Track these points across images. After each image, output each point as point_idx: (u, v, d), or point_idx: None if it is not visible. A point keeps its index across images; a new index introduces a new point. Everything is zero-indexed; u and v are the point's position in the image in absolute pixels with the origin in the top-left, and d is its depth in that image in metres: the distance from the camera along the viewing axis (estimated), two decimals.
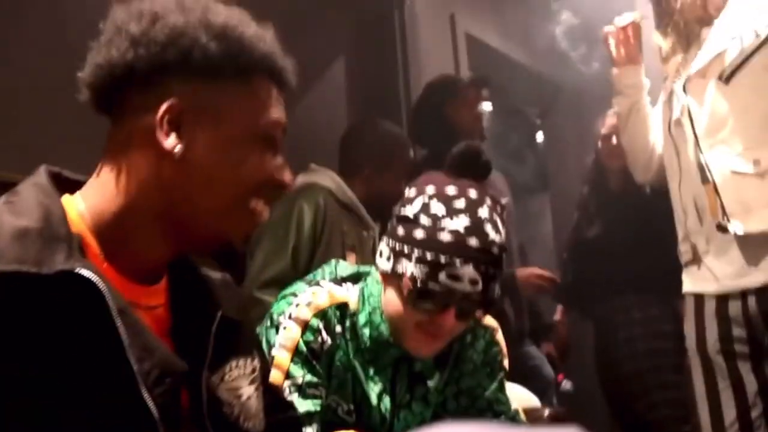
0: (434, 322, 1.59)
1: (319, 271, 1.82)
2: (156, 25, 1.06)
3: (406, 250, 1.57)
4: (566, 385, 3.94)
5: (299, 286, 1.72)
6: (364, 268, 1.80)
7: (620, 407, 3.52)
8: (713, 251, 2.39)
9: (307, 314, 1.62)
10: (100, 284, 0.95)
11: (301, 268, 2.65)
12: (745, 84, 2.30)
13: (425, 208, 1.58)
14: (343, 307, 1.68)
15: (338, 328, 1.66)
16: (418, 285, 1.54)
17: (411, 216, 1.59)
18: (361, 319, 1.67)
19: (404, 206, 1.63)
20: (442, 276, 1.52)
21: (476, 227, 1.54)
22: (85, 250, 1.02)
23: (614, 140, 3.37)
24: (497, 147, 4.86)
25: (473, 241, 1.53)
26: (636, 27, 2.71)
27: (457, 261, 1.52)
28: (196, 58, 1.06)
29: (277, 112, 1.14)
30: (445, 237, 1.53)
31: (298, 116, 3.33)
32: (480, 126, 3.38)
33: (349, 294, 1.71)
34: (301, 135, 3.08)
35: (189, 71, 1.07)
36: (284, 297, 1.70)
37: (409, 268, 1.55)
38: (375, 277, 1.70)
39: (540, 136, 5.96)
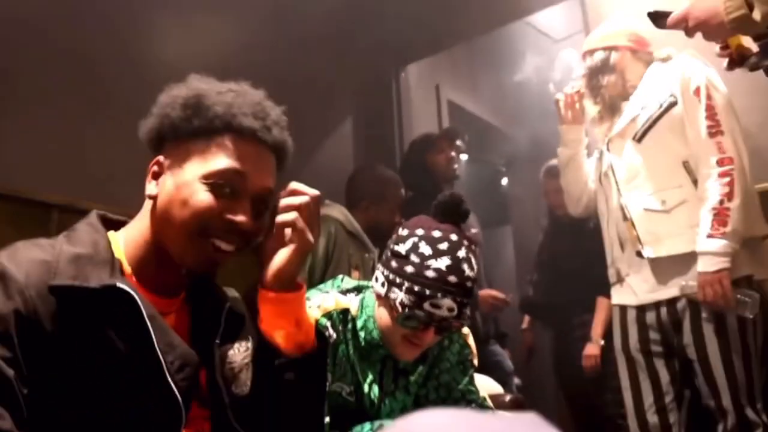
0: (417, 335, 1.63)
1: (329, 282, 1.84)
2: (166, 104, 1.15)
3: (397, 280, 1.59)
4: (516, 380, 3.90)
5: (312, 293, 1.75)
6: (363, 283, 1.83)
7: (574, 399, 3.57)
8: (633, 272, 2.44)
9: (317, 314, 1.66)
10: (135, 295, 1.02)
11: (315, 281, 2.72)
12: (653, 142, 2.39)
13: (415, 247, 1.60)
14: (345, 311, 1.71)
15: (340, 327, 1.69)
16: (406, 310, 1.57)
17: (403, 253, 1.62)
18: (359, 323, 1.70)
19: (398, 243, 1.65)
20: (426, 305, 1.56)
21: (455, 267, 1.57)
22: (123, 271, 1.08)
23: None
24: (470, 189, 4.91)
25: (452, 278, 1.56)
26: (580, 95, 2.74)
27: (439, 294, 1.55)
28: (174, 127, 1.12)
29: (230, 163, 1.10)
30: (430, 274, 1.56)
31: (315, 163, 3.42)
32: (452, 168, 3.44)
33: (351, 302, 1.73)
34: (317, 177, 3.15)
35: (173, 136, 1.13)
36: None
37: (399, 295, 1.58)
38: (372, 291, 1.72)
39: (505, 180, 5.99)
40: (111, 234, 1.15)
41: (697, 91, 2.30)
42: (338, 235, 2.83)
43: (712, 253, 2.16)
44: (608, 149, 2.55)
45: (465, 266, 1.59)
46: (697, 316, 2.27)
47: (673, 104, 2.34)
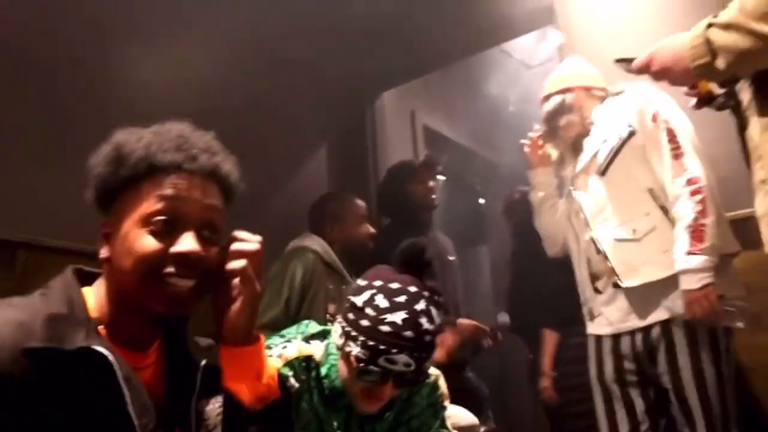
0: (375, 389, 1.58)
1: (293, 328, 1.80)
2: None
3: (353, 333, 1.54)
4: (503, 317, 3.86)
5: (275, 340, 1.71)
6: (330, 328, 1.77)
7: (555, 416, 3.56)
8: (606, 306, 2.45)
9: (278, 364, 1.59)
10: (111, 357, 1.00)
11: (292, 314, 2.71)
12: (616, 174, 2.41)
13: (371, 300, 1.55)
14: (308, 359, 1.66)
15: (303, 376, 1.64)
16: (361, 365, 1.53)
17: (359, 304, 1.56)
18: (323, 370, 1.66)
19: (355, 294, 1.59)
20: (381, 360, 1.51)
21: (412, 321, 1.51)
22: (98, 330, 1.06)
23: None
24: (448, 211, 4.92)
25: (408, 333, 1.50)
26: (544, 138, 2.77)
27: (394, 350, 1.50)
28: (105, 185, 1.12)
29: (160, 200, 1.10)
30: (385, 329, 1.50)
31: (288, 191, 3.40)
32: (431, 198, 3.42)
33: (315, 349, 1.68)
34: (292, 207, 3.15)
35: (108, 195, 1.13)
36: None
37: (354, 349, 1.53)
38: None
39: (482, 201, 6.01)
40: (86, 290, 1.13)
41: (654, 117, 2.33)
42: (316, 267, 2.82)
43: (693, 270, 2.17)
44: (574, 187, 2.58)
45: (423, 320, 1.53)
46: (671, 345, 2.28)
47: (632, 134, 2.37)
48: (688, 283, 2.17)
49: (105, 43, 2.73)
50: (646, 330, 2.35)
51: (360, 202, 3.10)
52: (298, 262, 2.78)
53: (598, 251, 2.44)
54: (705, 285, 2.14)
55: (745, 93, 1.40)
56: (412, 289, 1.56)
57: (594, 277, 2.49)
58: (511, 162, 4.42)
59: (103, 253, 1.13)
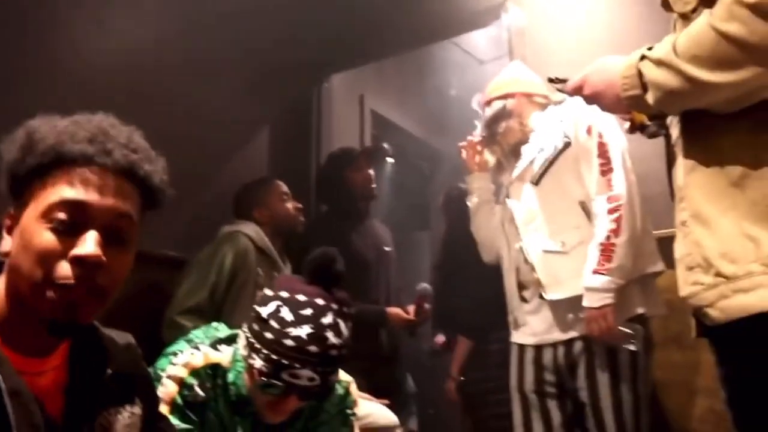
0: (280, 401, 1.58)
1: (201, 333, 1.76)
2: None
3: (256, 346, 1.53)
4: (439, 338, 3.88)
5: (181, 346, 1.68)
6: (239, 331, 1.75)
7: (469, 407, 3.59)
8: (531, 316, 2.45)
9: (183, 373, 1.59)
10: None
11: (217, 300, 2.67)
12: (549, 184, 2.40)
13: (276, 312, 1.53)
14: (215, 366, 1.63)
15: (209, 384, 1.61)
16: (263, 378, 1.52)
17: (264, 316, 1.54)
18: (230, 376, 1.63)
19: (261, 305, 1.58)
20: (284, 375, 1.50)
21: (317, 336, 1.50)
22: None
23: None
24: (394, 193, 4.89)
25: (313, 348, 1.49)
26: (481, 143, 2.74)
27: (297, 365, 1.49)
28: (12, 173, 1.05)
29: (65, 194, 1.01)
30: (288, 342, 1.49)
31: (228, 173, 3.32)
32: (370, 187, 3.39)
33: (223, 355, 1.66)
34: (230, 187, 3.07)
35: (15, 183, 1.05)
36: (167, 355, 1.65)
37: (257, 362, 1.52)
38: None
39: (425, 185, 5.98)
40: None
41: (588, 130, 2.32)
42: (248, 252, 2.78)
43: (596, 288, 2.19)
44: (508, 195, 2.56)
45: (329, 334, 1.52)
46: (592, 361, 2.30)
47: (567, 145, 2.36)
48: (590, 301, 2.20)
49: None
50: (569, 343, 2.36)
51: (279, 182, 3.08)
52: (229, 246, 2.73)
53: (527, 261, 2.43)
54: (604, 305, 2.17)
55: (674, 129, 1.39)
56: (319, 301, 1.54)
57: (521, 286, 2.49)
58: (457, 153, 4.40)
59: (5, 246, 1.05)
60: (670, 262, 2.32)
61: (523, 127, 2.52)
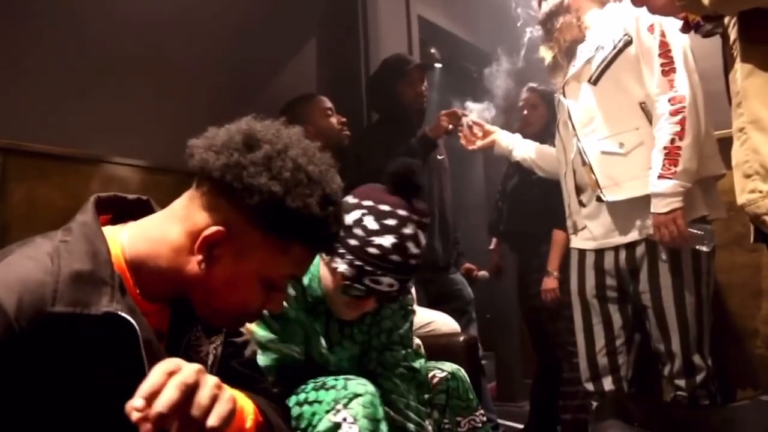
0: (358, 302, 1.64)
1: None
2: (270, 161, 1.02)
3: (341, 250, 1.57)
4: (483, 274, 3.94)
5: None
6: None
7: (533, 324, 3.62)
8: (590, 220, 2.42)
9: None
10: (134, 323, 0.97)
11: None
12: (608, 84, 2.33)
13: (360, 220, 1.57)
14: None
15: (288, 291, 1.66)
16: (346, 282, 1.57)
17: (349, 223, 1.57)
18: (306, 280, 1.69)
19: (345, 212, 1.57)
20: (366, 280, 1.56)
21: (399, 245, 1.54)
22: (123, 287, 1.00)
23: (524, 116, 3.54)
24: (444, 96, 4.79)
25: (395, 257, 1.54)
26: (477, 124, 2.91)
27: (379, 271, 1.55)
28: (269, 213, 1.01)
29: (296, 270, 1.10)
30: (372, 250, 1.54)
31: (278, 85, 3.28)
32: (422, 101, 3.34)
33: None
34: (279, 100, 3.04)
35: (253, 215, 1.02)
36: None
37: (341, 266, 1.57)
38: None
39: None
40: (111, 233, 1.06)
41: (650, 28, 2.23)
42: None
43: (663, 194, 2.15)
44: (564, 94, 2.47)
45: (410, 244, 1.56)
46: (654, 264, 2.29)
47: (628, 43, 2.28)
48: (657, 206, 2.16)
49: None
50: (630, 246, 2.33)
51: (322, 97, 3.05)
52: None
53: (584, 163, 2.37)
54: (672, 210, 2.13)
55: (732, 30, 1.30)
56: (402, 212, 1.58)
57: (579, 190, 2.44)
58: (510, 57, 4.27)
59: (198, 260, 1.04)
60: (730, 164, 2.27)
61: (580, 23, 2.43)
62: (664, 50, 2.19)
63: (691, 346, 2.25)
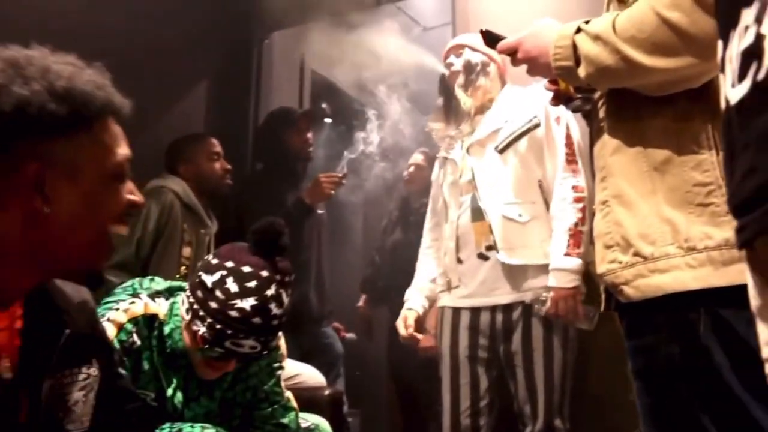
0: (219, 363, 1.63)
1: (138, 284, 1.75)
2: (1, 97, 0.92)
3: (200, 313, 1.56)
4: (350, 336, 3.95)
5: (120, 296, 1.68)
6: (176, 284, 1.77)
7: (400, 383, 3.64)
8: (466, 279, 2.49)
9: (123, 318, 1.60)
10: None
11: (143, 255, 2.63)
12: (513, 156, 2.45)
13: (221, 282, 1.55)
14: (153, 317, 1.65)
15: (146, 333, 1.63)
16: (206, 345, 1.56)
17: (209, 285, 1.56)
18: (166, 329, 1.65)
19: (206, 273, 1.59)
20: (227, 342, 1.54)
21: (261, 307, 1.54)
22: None
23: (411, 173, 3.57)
24: (329, 154, 4.84)
25: (257, 320, 1.54)
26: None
27: (240, 335, 1.54)
28: (45, 123, 0.93)
29: (122, 149, 1.05)
30: (233, 313, 1.53)
31: (163, 127, 3.22)
32: (307, 150, 3.38)
33: (161, 307, 1.68)
34: (163, 142, 2.99)
35: (41, 134, 0.95)
36: (107, 303, 1.65)
37: (201, 329, 1.55)
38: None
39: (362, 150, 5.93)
40: None
41: (558, 120, 2.41)
42: (173, 208, 2.73)
43: (568, 270, 2.28)
44: (468, 153, 2.56)
45: (272, 305, 1.56)
46: (528, 326, 2.39)
47: (536, 126, 2.44)
48: (561, 281, 2.28)
49: None
50: (508, 308, 2.42)
51: (212, 140, 3.02)
52: (154, 201, 2.67)
53: (477, 219, 2.46)
54: (575, 287, 2.27)
55: (601, 107, 1.40)
56: (264, 273, 1.56)
57: (459, 247, 2.50)
58: (395, 120, 4.38)
59: (38, 206, 0.95)
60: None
61: (490, 94, 2.57)
62: (569, 142, 2.38)
63: (554, 409, 2.35)
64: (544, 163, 2.42)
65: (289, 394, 1.96)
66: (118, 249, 2.54)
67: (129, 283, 1.76)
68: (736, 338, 1.11)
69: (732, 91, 0.57)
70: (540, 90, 2.39)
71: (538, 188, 2.42)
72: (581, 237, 2.28)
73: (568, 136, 2.38)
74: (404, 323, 2.63)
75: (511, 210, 2.42)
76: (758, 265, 0.60)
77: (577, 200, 2.31)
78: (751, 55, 0.54)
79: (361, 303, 4.01)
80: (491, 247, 2.41)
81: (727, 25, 0.59)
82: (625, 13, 1.24)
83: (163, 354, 1.65)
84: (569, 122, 2.40)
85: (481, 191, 2.47)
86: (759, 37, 0.53)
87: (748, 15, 0.55)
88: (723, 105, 0.61)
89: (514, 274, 2.40)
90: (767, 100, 0.52)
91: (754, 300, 0.61)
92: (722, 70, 0.60)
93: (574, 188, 2.32)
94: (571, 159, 2.36)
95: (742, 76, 0.55)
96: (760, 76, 0.53)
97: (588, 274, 2.31)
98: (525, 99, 2.50)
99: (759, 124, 0.53)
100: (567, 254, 2.28)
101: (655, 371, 1.23)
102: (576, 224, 2.29)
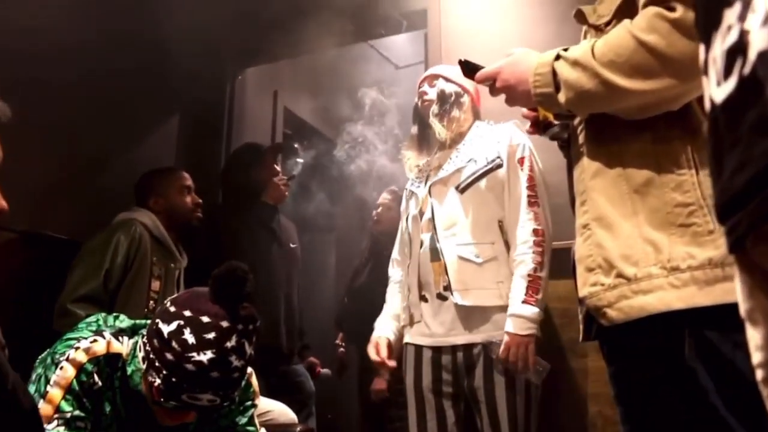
0: (177, 413, 1.56)
1: (102, 321, 1.68)
2: None
3: (156, 364, 1.47)
4: (325, 371, 3.89)
5: (83, 333, 1.60)
6: (141, 323, 1.69)
7: (370, 422, 3.58)
8: (428, 316, 2.46)
9: (83, 358, 1.52)
10: None
11: (111, 288, 2.57)
12: (474, 195, 2.43)
13: (178, 332, 1.45)
14: (116, 357, 1.57)
15: (107, 371, 1.55)
16: (161, 398, 1.48)
17: (165, 335, 1.46)
18: (129, 369, 1.57)
19: (162, 321, 1.49)
20: (184, 396, 1.46)
21: (220, 361, 1.44)
22: None
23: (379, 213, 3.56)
24: (301, 189, 4.83)
25: (215, 374, 1.44)
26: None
27: (197, 389, 1.45)
28: None
29: None
30: (189, 367, 1.43)
31: (134, 159, 3.18)
32: (278, 189, 3.33)
33: (124, 346, 1.60)
34: (134, 175, 2.94)
35: None
36: (67, 340, 1.58)
37: (156, 380, 1.47)
38: None
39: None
40: None
41: (521, 161, 2.40)
42: (143, 240, 2.68)
43: (525, 317, 2.25)
44: (430, 193, 2.56)
45: (233, 357, 1.46)
46: (490, 362, 2.34)
47: (499, 166, 2.42)
48: (517, 327, 2.24)
49: None
50: (468, 347, 2.38)
51: (184, 174, 2.98)
52: (123, 234, 2.63)
53: (436, 260, 2.44)
54: (530, 335, 2.24)
55: (580, 132, 1.41)
56: (224, 324, 1.47)
57: (421, 285, 2.48)
58: (368, 157, 4.40)
59: None
60: (567, 272, 2.41)
61: (462, 127, 2.55)
62: (531, 184, 2.36)
63: None
64: (504, 204, 2.41)
65: (263, 431, 1.90)
66: (86, 281, 2.50)
67: (93, 318, 1.68)
68: (721, 361, 1.10)
69: (717, 90, 0.57)
70: (507, 129, 2.45)
71: (497, 228, 2.40)
72: (540, 283, 2.27)
73: (531, 178, 2.37)
74: (375, 349, 2.58)
75: (467, 251, 2.40)
76: (748, 266, 0.58)
77: (538, 244, 2.30)
78: (736, 51, 0.54)
79: (338, 341, 3.97)
80: (447, 288, 2.40)
81: (708, 27, 0.59)
82: (603, 39, 1.26)
83: (125, 395, 1.57)
84: (533, 163, 2.39)
85: (439, 232, 2.47)
86: (743, 33, 0.53)
87: (730, 15, 0.55)
88: (708, 106, 0.60)
89: (469, 315, 2.38)
90: (754, 93, 0.51)
91: (743, 304, 0.60)
92: (705, 72, 0.60)
93: (535, 232, 2.31)
94: (533, 201, 2.35)
95: (727, 74, 0.55)
96: (746, 70, 0.52)
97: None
98: (491, 138, 2.50)
99: (748, 119, 0.52)
100: (525, 301, 2.26)
101: (639, 395, 1.22)
102: (535, 269, 2.28)
